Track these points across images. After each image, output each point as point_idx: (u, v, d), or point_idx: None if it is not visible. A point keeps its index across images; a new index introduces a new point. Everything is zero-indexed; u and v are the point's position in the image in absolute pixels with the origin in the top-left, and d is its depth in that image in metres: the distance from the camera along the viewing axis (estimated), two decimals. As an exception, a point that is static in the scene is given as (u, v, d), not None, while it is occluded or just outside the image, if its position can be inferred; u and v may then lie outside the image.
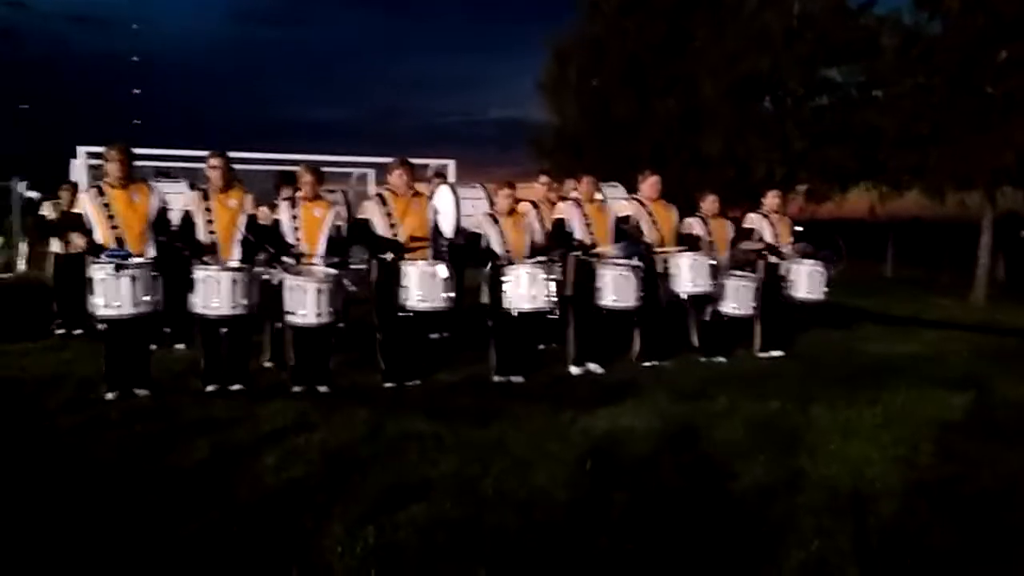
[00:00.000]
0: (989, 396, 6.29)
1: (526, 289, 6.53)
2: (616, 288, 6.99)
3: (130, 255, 5.67)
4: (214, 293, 5.84)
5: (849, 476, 4.36)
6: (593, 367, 7.18)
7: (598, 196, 7.71)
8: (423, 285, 6.19)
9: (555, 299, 6.67)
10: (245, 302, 5.94)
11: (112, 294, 5.55)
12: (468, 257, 7.11)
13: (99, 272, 5.57)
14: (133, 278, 5.58)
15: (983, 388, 6.48)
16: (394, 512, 3.72)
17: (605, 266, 7.05)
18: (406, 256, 6.30)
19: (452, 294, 6.31)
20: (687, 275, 7.33)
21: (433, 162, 11.91)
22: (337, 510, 3.72)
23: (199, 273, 5.88)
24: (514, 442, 4.87)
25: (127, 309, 5.59)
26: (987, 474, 4.47)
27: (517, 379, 6.71)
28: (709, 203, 7.98)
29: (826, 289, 8.03)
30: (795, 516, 3.79)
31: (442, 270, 6.21)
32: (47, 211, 9.41)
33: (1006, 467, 4.58)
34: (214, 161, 6.17)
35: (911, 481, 4.31)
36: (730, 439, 5.04)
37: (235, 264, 6.04)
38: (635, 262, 7.10)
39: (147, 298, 5.65)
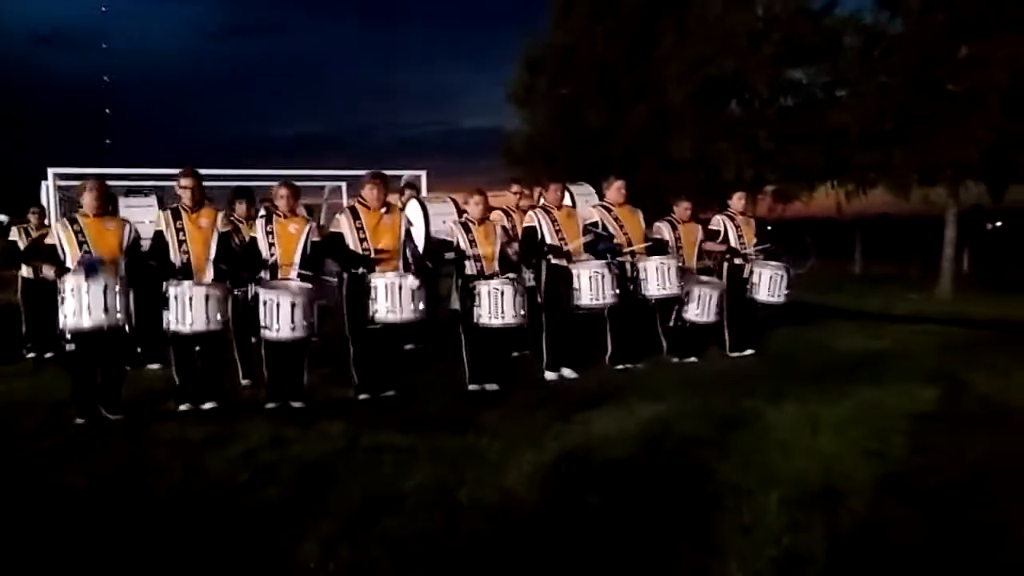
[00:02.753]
0: (957, 388, 6.40)
1: (496, 306, 6.58)
2: (593, 287, 7.04)
3: (102, 260, 5.60)
4: (188, 309, 5.80)
5: (820, 471, 4.40)
6: (567, 372, 7.22)
7: (567, 202, 7.77)
8: (391, 297, 6.17)
9: (524, 314, 6.70)
10: (219, 318, 5.90)
11: (80, 304, 5.47)
12: (439, 264, 7.11)
13: (69, 282, 5.52)
14: (105, 287, 5.52)
15: (951, 381, 6.59)
16: (369, 526, 3.72)
17: (580, 266, 7.10)
18: (376, 269, 6.31)
19: (422, 305, 6.27)
20: (654, 279, 7.41)
21: (405, 173, 11.92)
22: (311, 526, 3.70)
23: (172, 290, 5.83)
24: (489, 450, 4.88)
25: (97, 317, 5.49)
26: (955, 466, 4.53)
27: (491, 387, 6.72)
28: (682, 210, 8.07)
29: (787, 292, 8.13)
30: (767, 513, 3.83)
31: (410, 281, 6.19)
32: (16, 236, 9.32)
33: (974, 458, 4.65)
34: (185, 181, 6.14)
35: (881, 475, 4.37)
36: (703, 438, 5.08)
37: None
38: (609, 259, 7.16)
39: (118, 310, 5.57)
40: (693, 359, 7.85)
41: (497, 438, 5.12)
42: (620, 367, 7.49)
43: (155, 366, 7.62)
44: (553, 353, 7.23)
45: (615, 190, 7.71)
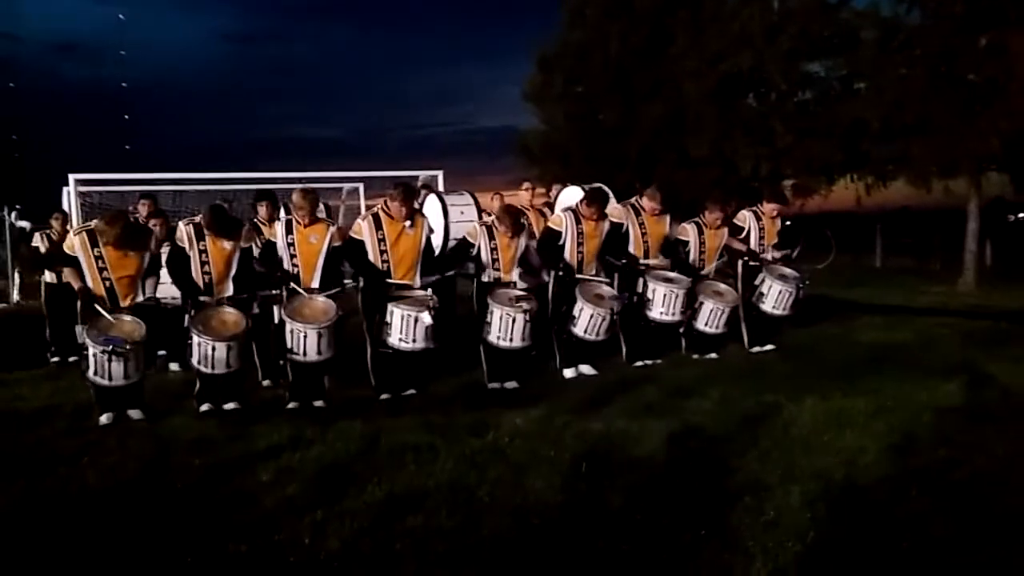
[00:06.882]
0: (981, 381, 6.33)
1: (506, 331, 6.59)
2: (591, 326, 6.97)
3: (124, 343, 5.69)
4: (210, 358, 5.89)
5: (843, 466, 4.38)
6: (585, 369, 7.20)
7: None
8: (405, 329, 6.21)
9: (531, 340, 6.71)
10: (240, 359, 6.02)
11: (103, 370, 5.70)
12: (455, 263, 7.12)
13: (91, 349, 5.68)
14: (125, 360, 5.70)
15: (975, 373, 6.53)
16: (391, 524, 3.73)
17: (585, 301, 6.99)
18: (392, 289, 6.34)
19: (432, 343, 6.32)
20: (659, 304, 7.33)
21: (422, 173, 11.96)
22: (333, 525, 3.73)
23: (195, 338, 5.88)
24: (509, 448, 4.88)
25: (118, 381, 5.75)
26: (980, 459, 4.49)
27: (511, 385, 6.73)
28: (712, 218, 7.93)
29: (793, 307, 7.94)
30: (790, 508, 3.81)
31: (426, 317, 6.20)
32: (39, 242, 9.42)
33: (999, 451, 4.61)
34: (209, 217, 6.13)
35: (905, 469, 4.33)
36: (724, 435, 5.06)
37: (230, 311, 6.10)
38: (616, 306, 7.08)
39: (135, 372, 5.81)
40: (713, 355, 7.80)
41: (517, 436, 5.11)
42: (638, 364, 7.46)
43: (175, 367, 7.68)
44: (570, 350, 7.21)
45: (648, 198, 7.60)
